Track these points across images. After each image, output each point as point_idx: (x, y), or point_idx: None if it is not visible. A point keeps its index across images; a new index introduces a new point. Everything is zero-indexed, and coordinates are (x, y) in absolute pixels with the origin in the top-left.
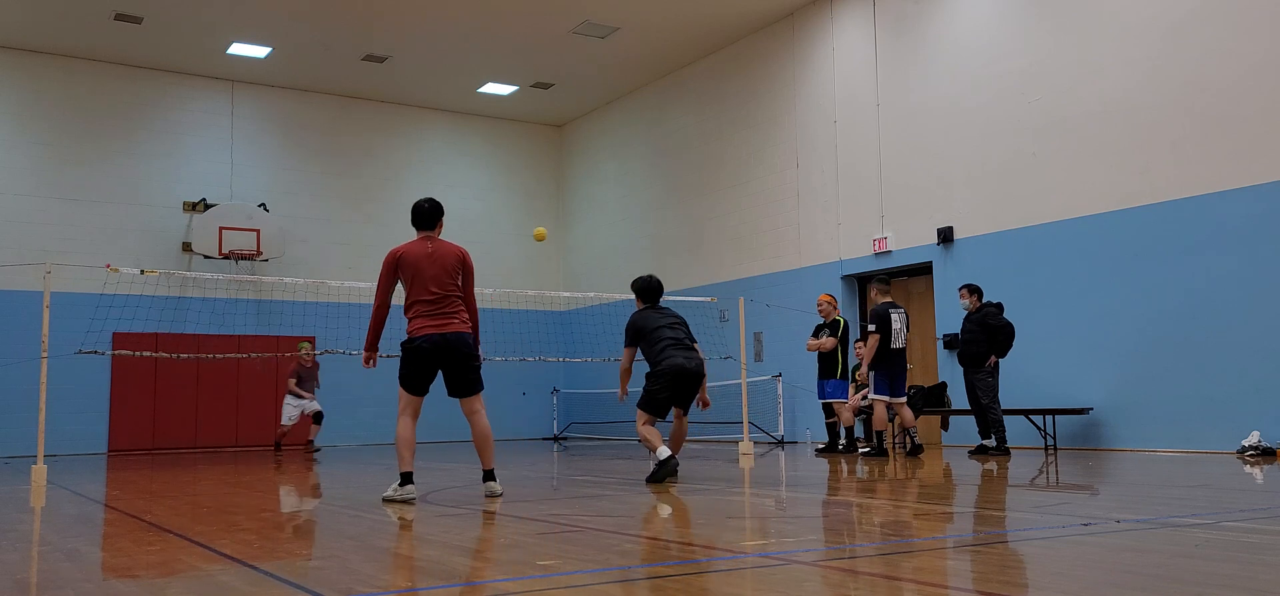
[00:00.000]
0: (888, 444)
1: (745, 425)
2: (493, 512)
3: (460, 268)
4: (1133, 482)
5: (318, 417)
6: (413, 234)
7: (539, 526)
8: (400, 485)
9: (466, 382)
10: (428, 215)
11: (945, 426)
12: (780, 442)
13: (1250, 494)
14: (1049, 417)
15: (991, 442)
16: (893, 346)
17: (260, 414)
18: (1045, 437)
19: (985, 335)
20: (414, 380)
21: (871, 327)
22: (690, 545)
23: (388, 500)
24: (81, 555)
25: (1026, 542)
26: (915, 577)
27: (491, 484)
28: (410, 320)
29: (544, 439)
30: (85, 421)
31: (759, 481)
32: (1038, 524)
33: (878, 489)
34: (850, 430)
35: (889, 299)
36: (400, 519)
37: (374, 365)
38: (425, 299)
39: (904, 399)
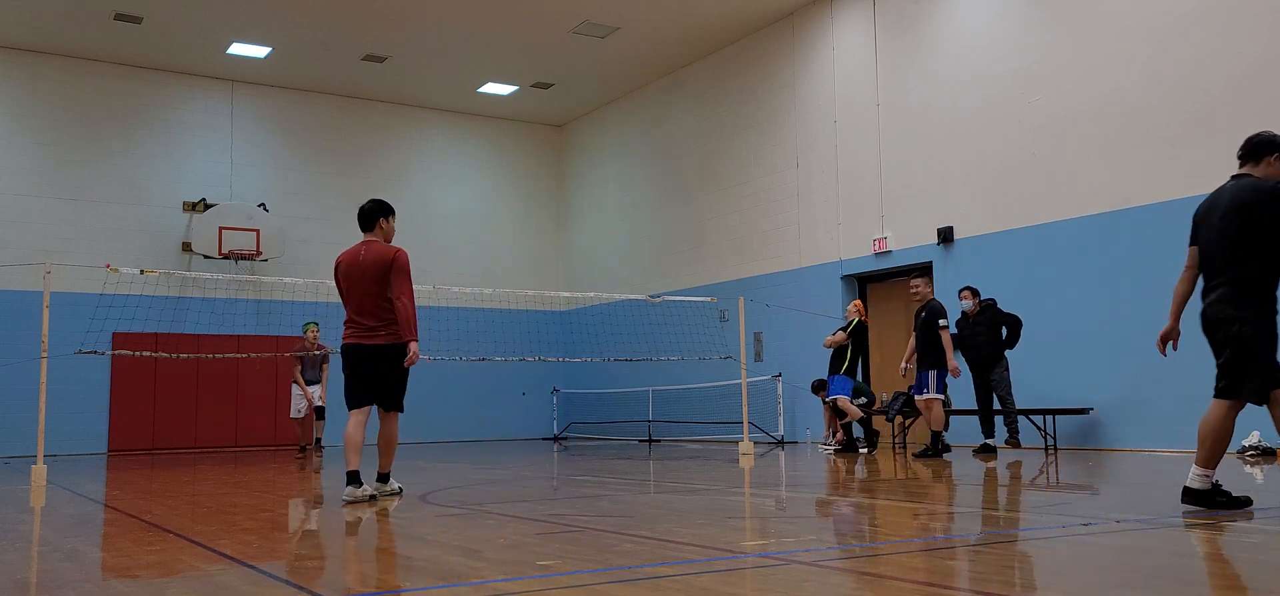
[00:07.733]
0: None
1: (745, 425)
2: (493, 512)
3: (384, 273)
4: (1133, 482)
5: (320, 413)
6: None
7: (539, 526)
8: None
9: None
10: (365, 216)
11: (945, 426)
12: (780, 442)
13: (1250, 494)
14: (1049, 417)
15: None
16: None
17: (260, 413)
18: (1045, 437)
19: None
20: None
21: (943, 322)
22: (690, 545)
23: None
24: (81, 555)
25: (1026, 542)
26: (916, 577)
27: (384, 485)
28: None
29: (544, 439)
30: (85, 421)
31: (759, 481)
32: (1038, 524)
33: (878, 489)
34: (848, 429)
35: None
36: (400, 519)
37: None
38: (350, 308)
39: (942, 396)
